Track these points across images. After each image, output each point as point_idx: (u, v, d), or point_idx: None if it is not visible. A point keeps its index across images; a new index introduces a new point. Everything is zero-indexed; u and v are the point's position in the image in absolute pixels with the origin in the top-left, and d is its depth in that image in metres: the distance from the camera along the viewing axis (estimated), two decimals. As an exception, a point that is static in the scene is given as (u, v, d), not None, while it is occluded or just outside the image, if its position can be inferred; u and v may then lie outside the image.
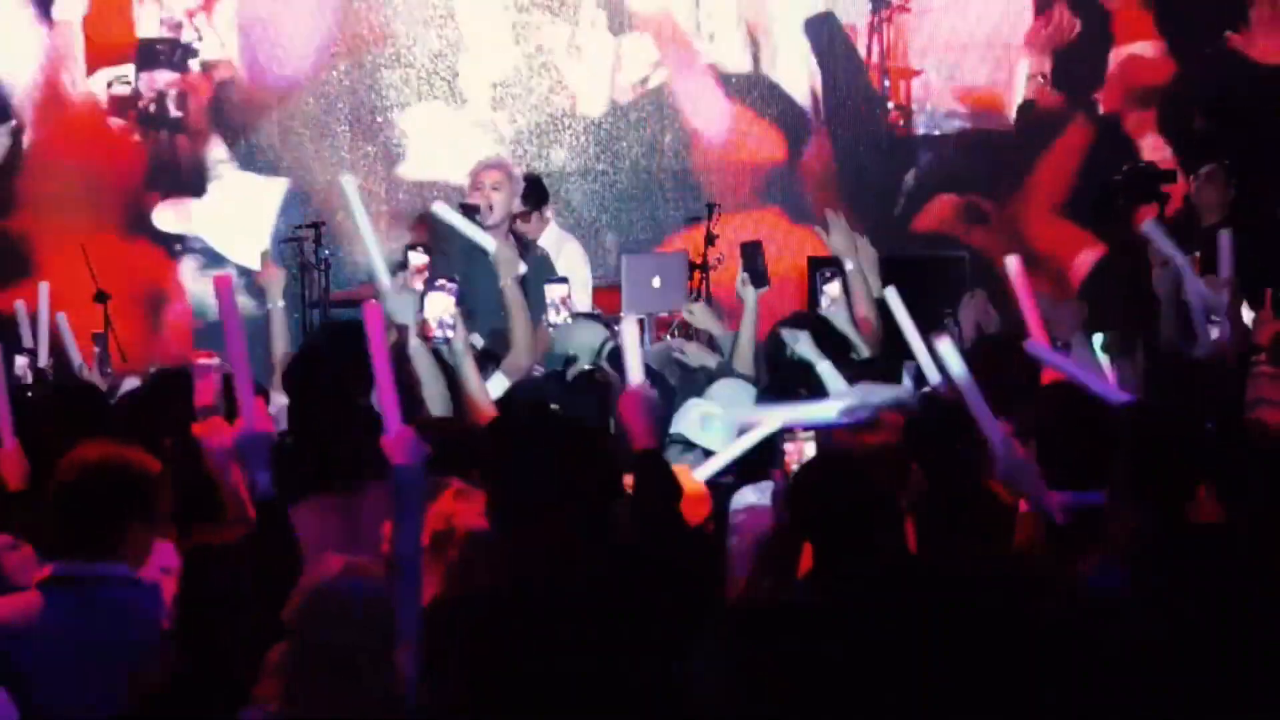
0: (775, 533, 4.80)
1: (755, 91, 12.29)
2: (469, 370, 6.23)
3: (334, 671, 4.17)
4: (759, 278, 7.72)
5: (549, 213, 10.01)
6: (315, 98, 11.85)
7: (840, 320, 7.23)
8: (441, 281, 6.68)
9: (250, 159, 11.80)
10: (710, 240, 10.39)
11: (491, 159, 9.49)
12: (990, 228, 12.19)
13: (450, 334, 6.42)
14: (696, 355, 7.50)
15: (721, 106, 12.22)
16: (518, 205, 9.62)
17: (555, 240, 9.77)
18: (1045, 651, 4.38)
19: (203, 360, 5.23)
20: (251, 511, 4.56)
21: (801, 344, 6.62)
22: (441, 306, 6.66)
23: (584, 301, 9.23)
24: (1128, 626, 4.46)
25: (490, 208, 8.60)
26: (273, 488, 4.53)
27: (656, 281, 9.08)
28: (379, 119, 11.88)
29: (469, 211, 8.07)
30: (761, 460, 5.65)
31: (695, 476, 5.42)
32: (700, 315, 8.06)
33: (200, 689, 4.37)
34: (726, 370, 7.37)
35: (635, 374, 4.72)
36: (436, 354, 6.47)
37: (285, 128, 11.85)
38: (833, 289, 7.55)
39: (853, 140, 12.30)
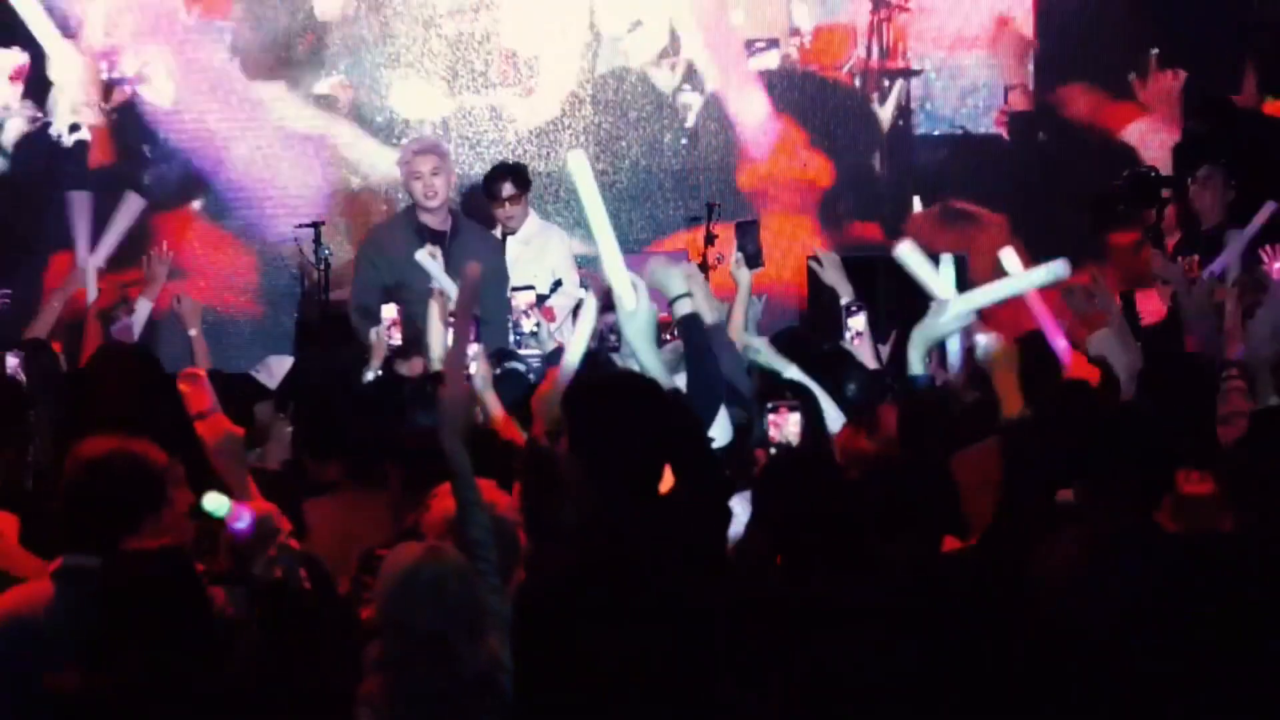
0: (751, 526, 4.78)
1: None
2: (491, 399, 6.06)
3: (430, 655, 4.17)
4: (753, 259, 7.51)
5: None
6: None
7: (865, 355, 7.01)
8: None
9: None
10: (710, 240, 10.39)
11: (425, 141, 9.52)
12: (986, 228, 12.18)
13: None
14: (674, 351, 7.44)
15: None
16: (509, 189, 9.63)
17: (538, 229, 9.74)
18: (1023, 648, 4.40)
19: (188, 372, 5.28)
20: None
21: (762, 354, 6.43)
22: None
23: (572, 279, 9.28)
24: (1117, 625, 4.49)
25: (435, 192, 8.81)
26: None
27: (656, 280, 9.05)
28: (377, 118, 11.89)
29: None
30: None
31: None
32: (699, 299, 7.87)
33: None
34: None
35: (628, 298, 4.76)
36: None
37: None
38: (857, 323, 7.28)
39: (851, 139, 12.31)
